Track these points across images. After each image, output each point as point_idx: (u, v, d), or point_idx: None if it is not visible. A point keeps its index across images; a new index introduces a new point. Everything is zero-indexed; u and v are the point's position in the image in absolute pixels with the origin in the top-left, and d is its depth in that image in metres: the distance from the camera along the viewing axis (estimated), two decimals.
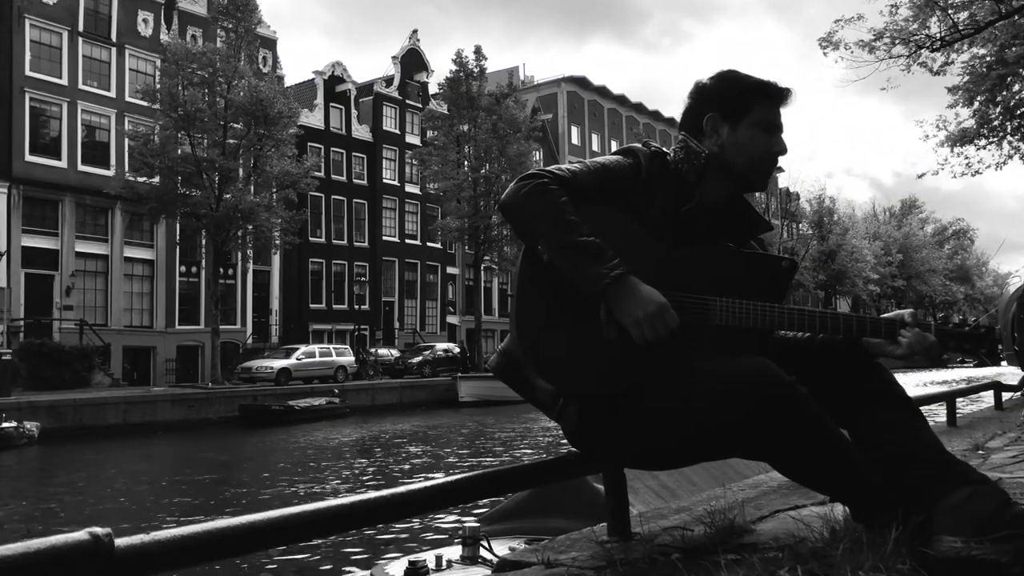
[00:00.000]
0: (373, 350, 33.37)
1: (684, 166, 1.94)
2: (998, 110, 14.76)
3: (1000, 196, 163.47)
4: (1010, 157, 15.46)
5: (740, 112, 1.93)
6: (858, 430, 1.81)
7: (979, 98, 14.56)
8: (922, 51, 13.86)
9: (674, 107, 2.07)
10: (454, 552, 4.10)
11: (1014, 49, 13.16)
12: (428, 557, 4.11)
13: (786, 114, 1.98)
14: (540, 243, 1.78)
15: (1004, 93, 14.41)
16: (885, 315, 1.85)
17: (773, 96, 1.94)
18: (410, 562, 4.09)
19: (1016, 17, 13.12)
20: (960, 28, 13.50)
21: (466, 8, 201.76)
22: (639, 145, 1.99)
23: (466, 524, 4.03)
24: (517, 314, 1.81)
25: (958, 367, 47.98)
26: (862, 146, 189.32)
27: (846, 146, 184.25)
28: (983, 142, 15.28)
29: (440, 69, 42.37)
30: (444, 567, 3.98)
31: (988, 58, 14.00)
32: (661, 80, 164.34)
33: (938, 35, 13.72)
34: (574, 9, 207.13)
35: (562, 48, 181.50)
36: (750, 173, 1.94)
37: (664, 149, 1.99)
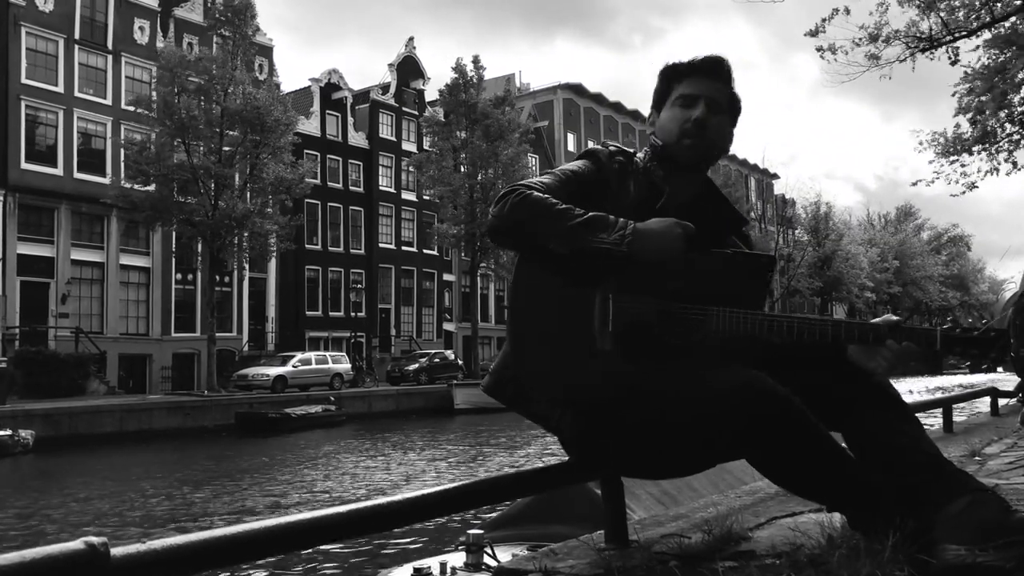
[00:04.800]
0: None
1: (652, 164, 1.97)
2: (991, 121, 14.77)
3: (986, 201, 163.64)
4: (1013, 166, 15.46)
5: (664, 98, 1.99)
6: (854, 436, 1.81)
7: (987, 109, 14.54)
8: (916, 53, 13.81)
9: None
10: (458, 559, 4.09)
11: (1015, 61, 13.15)
12: (432, 564, 4.11)
13: (744, 96, 2.02)
14: (545, 240, 1.75)
15: (1008, 100, 14.41)
16: (875, 320, 1.80)
17: (691, 72, 1.96)
18: (415, 569, 4.09)
19: (1013, 20, 13.13)
20: (952, 30, 13.49)
21: (432, 4, 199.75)
22: (599, 147, 2.01)
23: (470, 531, 4.03)
24: (513, 325, 1.82)
25: (953, 374, 48.02)
26: (841, 149, 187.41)
27: (825, 149, 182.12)
28: (979, 148, 15.27)
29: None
30: (448, 574, 3.98)
31: (989, 64, 13.96)
32: (646, 79, 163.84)
33: (929, 35, 13.70)
34: (539, 5, 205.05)
35: (531, 44, 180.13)
36: (670, 148, 1.95)
37: (625, 148, 2.01)
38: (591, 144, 2.13)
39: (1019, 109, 14.77)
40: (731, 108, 1.99)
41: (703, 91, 1.94)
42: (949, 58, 14.03)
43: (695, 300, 1.78)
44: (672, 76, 1.98)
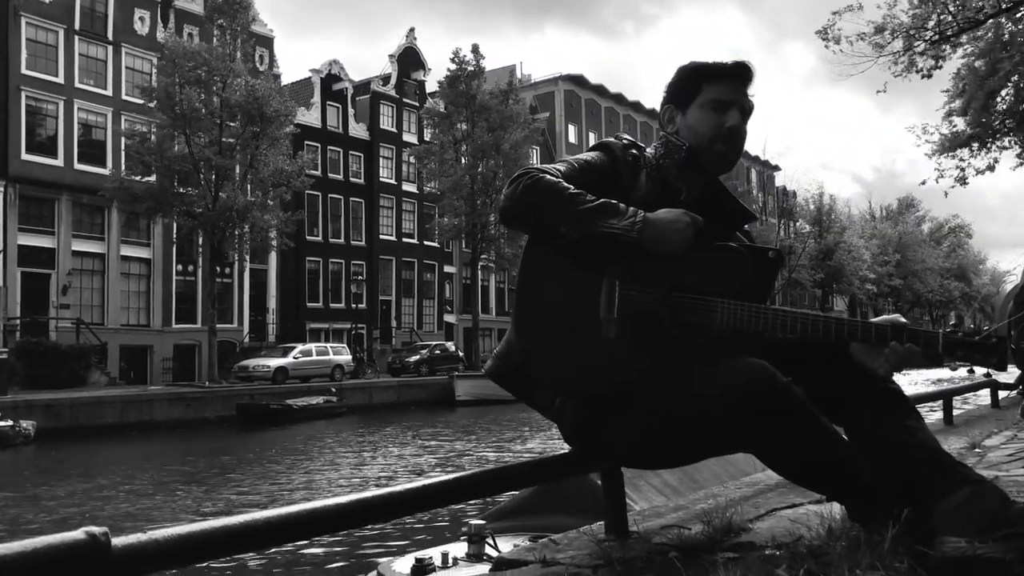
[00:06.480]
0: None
1: (666, 161, 1.96)
2: (984, 117, 14.80)
3: (982, 194, 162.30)
4: (1005, 161, 15.55)
5: (690, 97, 1.97)
6: (855, 430, 1.81)
7: (972, 106, 14.58)
8: (920, 44, 13.78)
9: (657, 97, 2.04)
10: (460, 549, 4.12)
11: (1004, 64, 13.18)
12: (434, 554, 4.13)
13: (755, 93, 1.99)
14: (556, 223, 1.76)
15: (998, 98, 14.46)
16: (879, 320, 1.80)
17: (721, 75, 1.95)
18: (416, 559, 4.12)
19: (1012, 14, 13.12)
20: (959, 22, 13.45)
21: None
22: (613, 139, 2.01)
23: (472, 521, 4.04)
24: (518, 309, 1.82)
25: (955, 368, 48.02)
26: (838, 140, 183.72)
27: (821, 140, 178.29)
28: (976, 145, 15.35)
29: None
30: (450, 564, 4.00)
31: (981, 67, 13.96)
32: (639, 68, 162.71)
33: (936, 29, 13.66)
34: None
35: (521, 32, 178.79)
36: (701, 153, 1.94)
37: (637, 143, 2.01)
38: (592, 136, 2.12)
39: (1006, 104, 14.82)
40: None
41: (736, 97, 1.94)
42: (941, 62, 14.04)
43: (701, 292, 1.79)
44: (703, 76, 1.96)
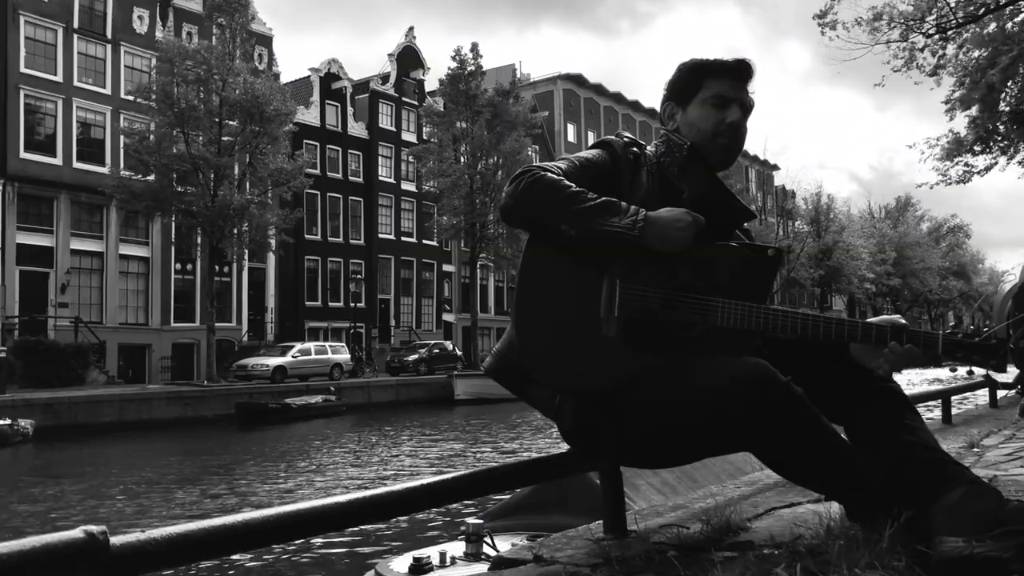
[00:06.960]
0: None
1: (667, 160, 1.96)
2: (987, 115, 14.77)
3: (979, 193, 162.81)
4: (1009, 159, 15.49)
5: (691, 93, 1.98)
6: (854, 428, 1.82)
7: (975, 107, 14.54)
8: (919, 37, 13.72)
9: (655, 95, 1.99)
10: (458, 548, 4.12)
11: (1003, 58, 13.15)
12: (432, 553, 4.14)
13: (755, 90, 2.01)
14: (557, 221, 1.76)
15: (1002, 95, 14.42)
16: (879, 320, 1.80)
17: (722, 71, 1.96)
18: (414, 558, 4.12)
19: (1010, 9, 13.09)
20: (958, 19, 13.41)
21: None
22: (614, 137, 2.01)
23: (470, 520, 4.05)
24: (518, 306, 1.82)
25: (954, 369, 48.00)
26: (834, 138, 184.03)
27: (817, 139, 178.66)
28: (979, 148, 15.33)
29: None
30: (448, 563, 4.00)
31: (981, 60, 13.93)
32: (637, 67, 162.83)
33: (935, 23, 13.62)
34: None
35: (517, 30, 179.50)
36: (703, 149, 1.95)
37: (638, 141, 2.01)
38: (591, 135, 2.12)
39: (1009, 106, 14.79)
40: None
41: (737, 94, 1.95)
42: (942, 60, 13.98)
43: (701, 291, 1.79)
44: (704, 73, 1.97)
